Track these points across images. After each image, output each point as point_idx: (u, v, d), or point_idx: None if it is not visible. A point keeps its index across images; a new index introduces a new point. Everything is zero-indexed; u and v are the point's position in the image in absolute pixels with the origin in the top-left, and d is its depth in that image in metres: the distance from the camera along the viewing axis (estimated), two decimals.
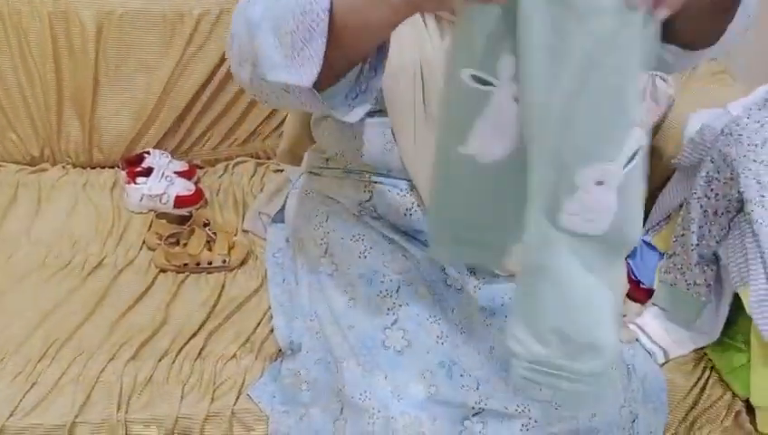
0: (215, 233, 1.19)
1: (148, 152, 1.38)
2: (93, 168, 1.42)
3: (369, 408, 0.85)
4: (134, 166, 1.35)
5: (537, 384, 0.69)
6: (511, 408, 0.88)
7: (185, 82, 1.37)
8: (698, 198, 1.00)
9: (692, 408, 1.03)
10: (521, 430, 0.86)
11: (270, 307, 1.07)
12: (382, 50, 0.70)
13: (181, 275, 1.16)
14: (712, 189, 0.99)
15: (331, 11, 0.62)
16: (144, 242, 1.23)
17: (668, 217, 1.11)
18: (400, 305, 0.91)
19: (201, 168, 1.44)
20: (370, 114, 0.85)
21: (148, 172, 1.33)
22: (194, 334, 1.04)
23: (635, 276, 1.10)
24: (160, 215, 1.25)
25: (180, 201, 1.31)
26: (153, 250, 1.20)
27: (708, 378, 1.03)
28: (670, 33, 0.64)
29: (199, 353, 1.02)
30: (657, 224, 1.11)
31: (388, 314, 0.90)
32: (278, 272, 1.10)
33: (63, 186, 1.36)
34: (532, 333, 0.67)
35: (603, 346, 0.67)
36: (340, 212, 0.99)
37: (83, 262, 1.18)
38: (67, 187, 1.36)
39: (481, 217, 0.73)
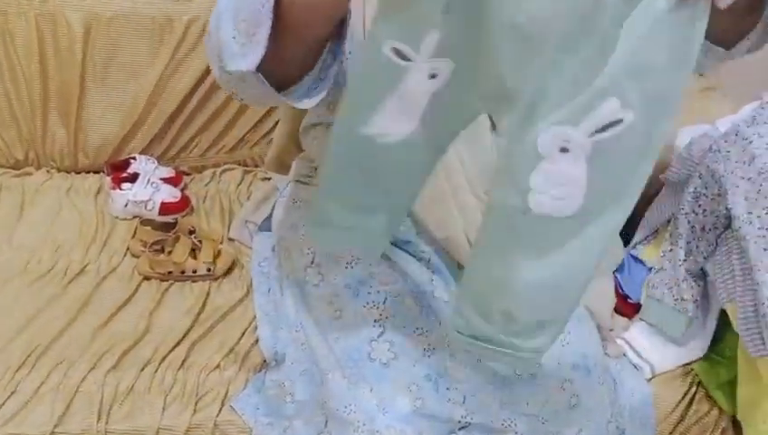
0: (200, 241, 1.18)
1: (134, 158, 1.37)
2: (78, 172, 1.40)
3: (355, 421, 0.84)
4: (119, 171, 1.33)
5: (476, 355, 0.69)
6: (497, 422, 0.87)
7: (173, 87, 1.36)
8: (686, 213, 1.00)
9: (678, 423, 1.03)
10: None
11: (255, 317, 1.06)
12: (341, 35, 0.67)
13: (165, 284, 1.14)
14: (700, 205, 0.99)
15: None
16: (128, 249, 1.21)
17: (656, 231, 1.11)
18: (387, 317, 0.90)
19: (188, 174, 1.42)
20: None
21: (133, 178, 1.31)
22: (177, 344, 1.03)
23: (622, 291, 1.10)
24: (145, 222, 1.24)
25: (166, 208, 1.29)
26: (137, 257, 1.19)
27: (695, 393, 1.03)
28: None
29: (182, 363, 1.00)
30: (645, 238, 1.12)
31: (374, 326, 0.90)
32: (264, 281, 1.08)
33: (47, 190, 1.34)
34: (478, 312, 0.67)
35: (552, 323, 0.66)
36: None
37: (66, 268, 1.16)
38: (51, 191, 1.34)
39: (369, 199, 0.72)
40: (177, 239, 1.17)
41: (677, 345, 1.04)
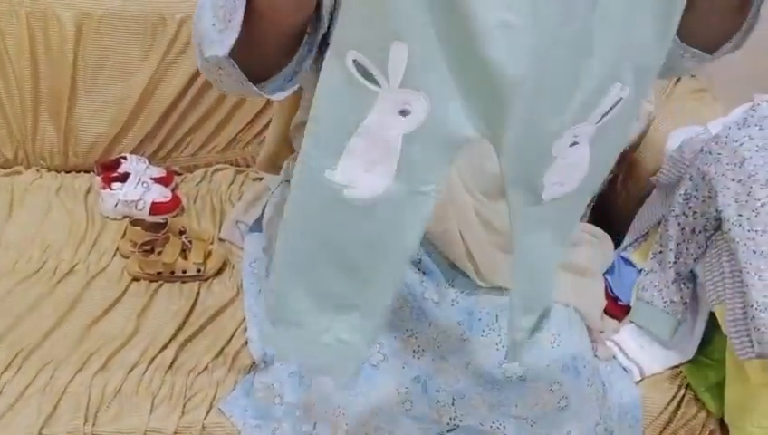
0: (190, 241, 1.17)
1: (124, 157, 1.36)
2: (68, 171, 1.40)
3: (343, 423, 0.84)
4: (110, 171, 1.33)
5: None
6: (486, 424, 0.87)
7: (165, 86, 1.35)
8: (676, 215, 1.00)
9: (667, 425, 1.03)
10: None
11: (245, 319, 1.05)
12: (316, 29, 0.66)
13: (154, 284, 1.14)
14: (690, 207, 0.99)
15: None
16: (118, 249, 1.21)
17: (647, 233, 1.11)
18: None
19: (179, 174, 1.42)
20: None
21: (124, 178, 1.30)
22: (165, 345, 1.03)
23: (613, 293, 1.10)
24: (135, 222, 1.23)
25: (156, 208, 1.29)
26: (127, 258, 1.18)
27: (683, 396, 1.03)
28: (688, 34, 0.62)
29: (171, 365, 1.00)
30: (636, 240, 1.12)
31: None
32: (254, 282, 1.08)
33: (37, 189, 1.33)
34: (526, 311, 0.67)
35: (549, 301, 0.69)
36: None
37: (55, 268, 1.16)
38: (41, 191, 1.33)
39: (339, 284, 0.59)
40: (167, 240, 1.17)
41: (666, 347, 1.04)
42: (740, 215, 0.91)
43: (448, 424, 0.88)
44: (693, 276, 1.02)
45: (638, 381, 1.03)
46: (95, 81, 1.34)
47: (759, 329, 0.85)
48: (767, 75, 1.25)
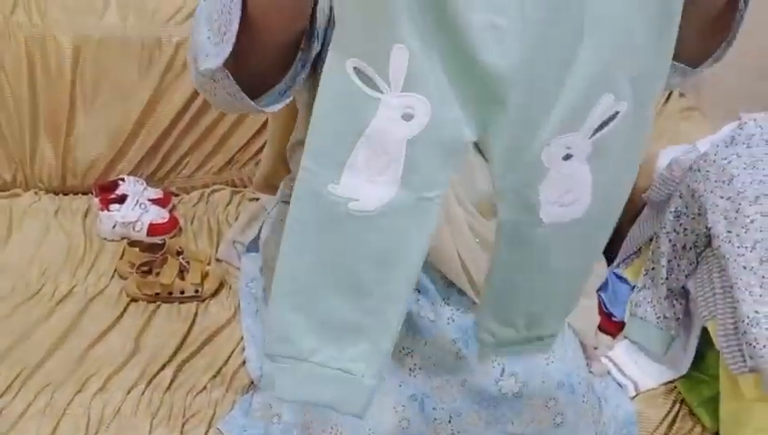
0: (188, 262, 1.18)
1: (122, 179, 1.37)
2: (66, 193, 1.41)
3: None
4: (108, 193, 1.34)
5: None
6: None
7: (162, 108, 1.37)
8: (667, 232, 1.02)
9: None
10: None
11: (242, 338, 1.06)
12: (310, 45, 0.66)
13: (152, 305, 1.14)
14: (681, 224, 1.01)
15: None
16: (116, 270, 1.21)
17: (639, 250, 1.12)
18: None
19: (176, 195, 1.43)
20: None
21: (122, 199, 1.31)
22: (164, 366, 1.03)
23: (606, 309, 1.11)
24: (133, 243, 1.24)
25: (154, 229, 1.30)
26: (125, 279, 1.19)
27: (678, 411, 1.04)
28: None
29: (169, 385, 1.00)
30: (628, 257, 1.13)
31: None
32: (251, 302, 1.09)
33: (35, 212, 1.34)
34: (501, 323, 0.65)
35: (566, 313, 0.67)
36: None
37: (53, 290, 1.16)
38: (39, 213, 1.34)
39: (344, 309, 0.56)
40: (164, 260, 1.18)
41: (660, 363, 1.05)
42: (729, 231, 0.93)
43: None
44: (685, 292, 1.03)
45: (633, 397, 1.03)
46: (93, 103, 1.35)
47: (750, 344, 0.87)
48: (754, 94, 1.27)
